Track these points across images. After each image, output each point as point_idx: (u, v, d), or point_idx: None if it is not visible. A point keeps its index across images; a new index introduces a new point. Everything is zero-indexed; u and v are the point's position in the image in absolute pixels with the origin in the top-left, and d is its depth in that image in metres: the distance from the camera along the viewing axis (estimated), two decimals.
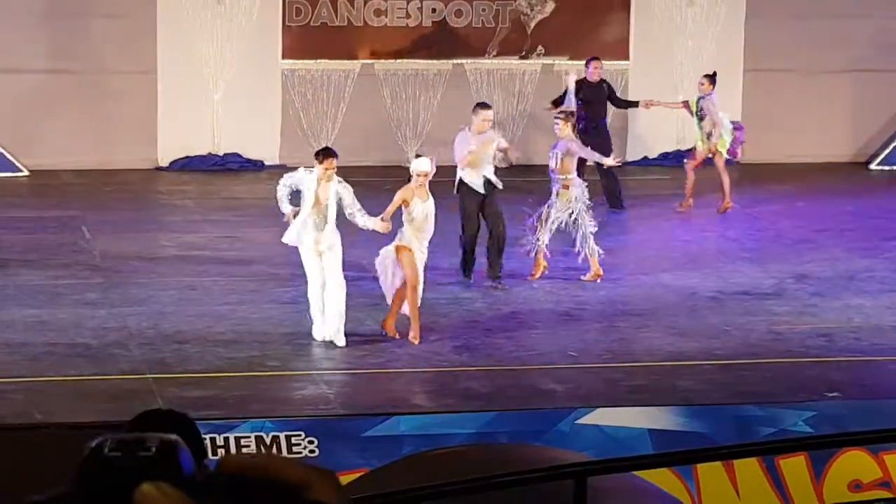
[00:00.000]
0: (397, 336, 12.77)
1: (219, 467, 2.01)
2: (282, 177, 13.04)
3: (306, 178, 12.72)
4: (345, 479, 7.91)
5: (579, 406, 10.98)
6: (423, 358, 12.45)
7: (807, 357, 12.57)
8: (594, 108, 18.55)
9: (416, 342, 12.69)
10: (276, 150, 21.66)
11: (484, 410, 11.00)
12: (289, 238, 12.86)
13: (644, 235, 17.60)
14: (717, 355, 12.62)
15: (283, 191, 12.84)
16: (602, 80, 18.89)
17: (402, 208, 12.91)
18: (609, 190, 18.30)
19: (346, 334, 12.60)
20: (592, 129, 18.28)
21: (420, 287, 12.86)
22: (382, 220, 12.75)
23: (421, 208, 12.88)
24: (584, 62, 19.29)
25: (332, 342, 12.55)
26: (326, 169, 12.57)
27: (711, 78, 18.43)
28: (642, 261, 16.01)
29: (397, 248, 12.78)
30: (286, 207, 12.83)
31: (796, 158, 22.14)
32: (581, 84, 18.63)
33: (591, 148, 16.21)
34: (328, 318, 12.59)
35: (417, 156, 13.89)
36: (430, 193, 12.99)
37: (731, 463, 10.58)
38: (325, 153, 12.82)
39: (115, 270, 14.99)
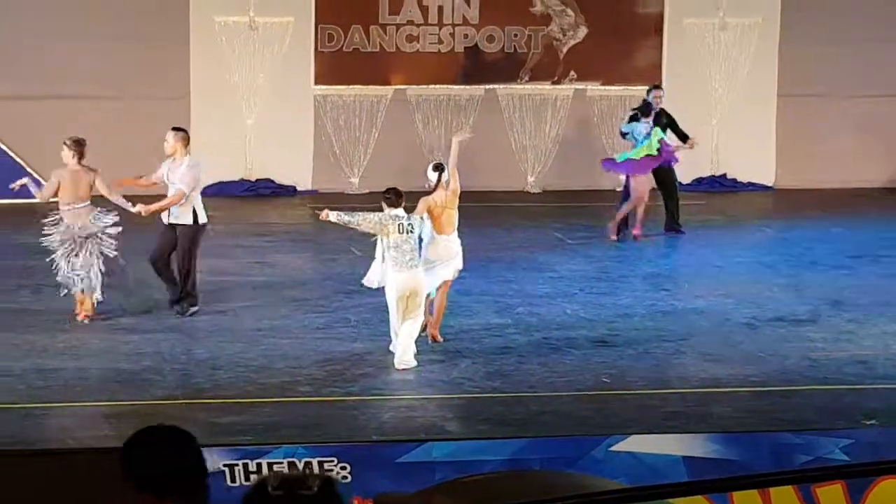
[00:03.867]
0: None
1: None
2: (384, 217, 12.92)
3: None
4: None
5: (613, 433, 10.90)
6: (455, 384, 12.40)
7: (844, 384, 12.46)
8: None
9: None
10: (309, 176, 21.69)
11: (517, 437, 10.92)
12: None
13: (677, 261, 17.52)
14: (753, 382, 12.51)
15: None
16: (662, 109, 18.88)
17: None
18: (669, 210, 18.86)
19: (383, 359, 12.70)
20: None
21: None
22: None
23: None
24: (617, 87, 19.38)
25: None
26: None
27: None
28: (676, 286, 15.94)
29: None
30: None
31: (831, 184, 22.04)
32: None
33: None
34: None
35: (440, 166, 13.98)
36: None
37: (767, 491, 10.46)
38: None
39: (148, 296, 14.99)
